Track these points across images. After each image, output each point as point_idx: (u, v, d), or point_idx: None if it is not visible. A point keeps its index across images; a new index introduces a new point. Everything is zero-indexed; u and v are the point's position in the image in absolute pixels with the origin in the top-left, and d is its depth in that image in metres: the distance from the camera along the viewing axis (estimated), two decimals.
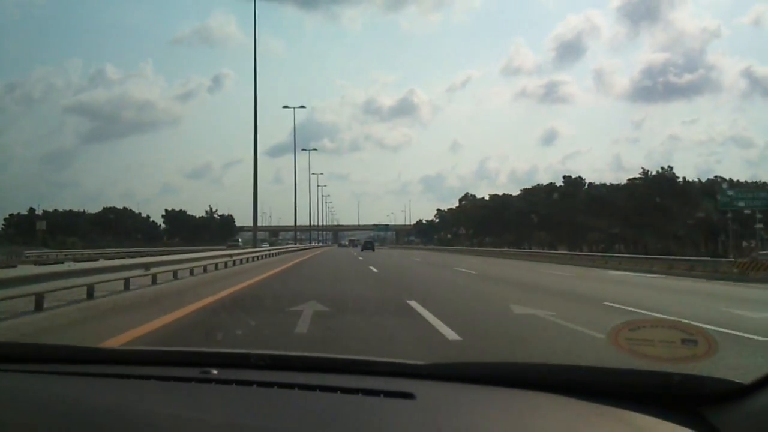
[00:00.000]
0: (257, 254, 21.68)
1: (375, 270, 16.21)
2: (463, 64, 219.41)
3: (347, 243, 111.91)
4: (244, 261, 17.44)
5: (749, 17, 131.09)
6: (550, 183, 66.36)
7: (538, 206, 59.68)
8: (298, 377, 1.20)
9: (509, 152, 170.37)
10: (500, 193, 79.61)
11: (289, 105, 40.21)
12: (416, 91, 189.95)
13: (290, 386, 1.14)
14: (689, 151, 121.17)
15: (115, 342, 4.35)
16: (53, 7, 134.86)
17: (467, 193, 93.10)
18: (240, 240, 61.10)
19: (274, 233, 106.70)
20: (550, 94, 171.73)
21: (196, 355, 1.39)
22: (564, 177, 61.35)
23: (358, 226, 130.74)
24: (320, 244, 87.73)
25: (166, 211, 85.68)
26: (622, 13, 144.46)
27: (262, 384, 1.16)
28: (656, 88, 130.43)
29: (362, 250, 46.46)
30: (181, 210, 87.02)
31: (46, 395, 0.88)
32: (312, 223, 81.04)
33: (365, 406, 1.06)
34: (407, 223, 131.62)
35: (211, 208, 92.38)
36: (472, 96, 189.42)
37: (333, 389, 1.11)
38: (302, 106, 63.34)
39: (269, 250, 26.50)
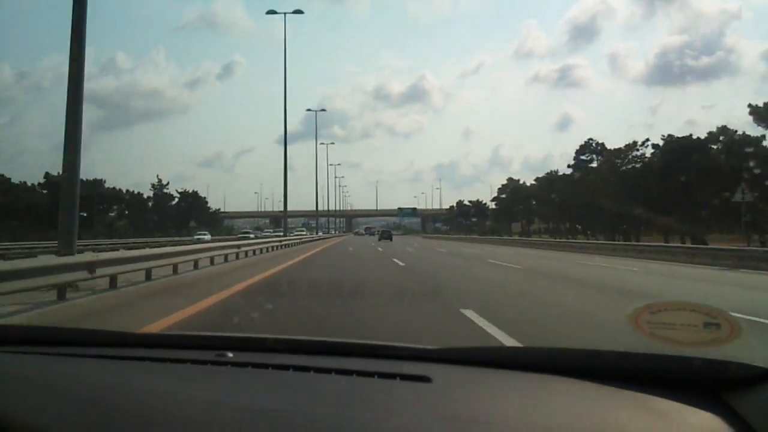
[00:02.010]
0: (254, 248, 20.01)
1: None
2: (475, 48, 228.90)
3: (363, 231, 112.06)
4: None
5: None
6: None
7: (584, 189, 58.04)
8: (314, 361, 1.32)
9: (523, 139, 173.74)
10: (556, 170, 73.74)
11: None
12: (427, 76, 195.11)
13: (306, 369, 1.26)
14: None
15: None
16: None
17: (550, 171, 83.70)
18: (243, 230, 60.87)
19: (276, 221, 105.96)
20: (564, 79, 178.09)
21: (212, 339, 1.52)
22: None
23: (376, 211, 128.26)
24: (333, 232, 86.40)
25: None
26: None
27: (277, 367, 1.28)
28: (673, 71, 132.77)
29: (379, 240, 48.80)
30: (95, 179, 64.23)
31: (59, 377, 0.99)
32: (324, 212, 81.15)
33: (381, 389, 1.16)
34: (434, 207, 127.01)
35: (159, 180, 72.55)
36: (485, 81, 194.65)
37: (349, 372, 1.23)
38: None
39: (253, 243, 21.51)
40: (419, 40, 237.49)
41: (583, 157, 61.68)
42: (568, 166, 63.61)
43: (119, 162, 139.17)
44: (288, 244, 27.05)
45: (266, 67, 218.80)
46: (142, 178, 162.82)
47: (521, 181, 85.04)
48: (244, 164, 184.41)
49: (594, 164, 59.24)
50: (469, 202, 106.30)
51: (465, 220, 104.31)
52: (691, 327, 1.12)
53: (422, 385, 1.15)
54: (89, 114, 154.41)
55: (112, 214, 67.91)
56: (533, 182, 78.42)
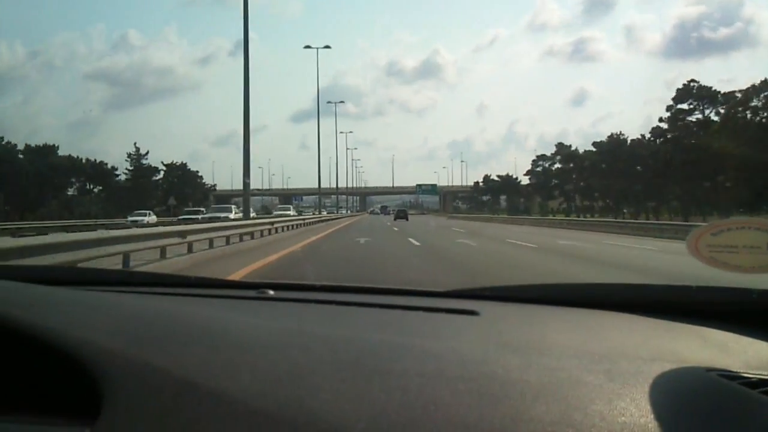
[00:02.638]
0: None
1: None
2: (488, 21, 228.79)
3: (379, 210, 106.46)
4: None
5: None
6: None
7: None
8: (358, 298, 1.37)
9: (538, 115, 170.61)
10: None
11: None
12: (440, 51, 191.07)
13: (350, 304, 1.30)
14: None
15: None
16: None
17: (560, 143, 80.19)
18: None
19: (287, 198, 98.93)
20: (579, 53, 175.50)
21: (254, 283, 1.54)
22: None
23: (392, 188, 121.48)
24: (345, 212, 79.37)
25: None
26: None
27: (320, 302, 1.32)
28: (690, 43, 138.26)
29: (395, 219, 49.03)
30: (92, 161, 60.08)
31: (115, 306, 1.03)
32: (338, 189, 75.50)
33: (429, 320, 1.18)
34: (457, 183, 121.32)
35: (137, 150, 64.69)
36: (498, 55, 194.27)
37: (394, 307, 1.25)
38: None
39: (249, 224, 16.93)
40: (432, 12, 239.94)
41: (684, 106, 48.49)
42: (661, 120, 51.61)
43: (129, 142, 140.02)
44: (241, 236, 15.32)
45: (278, 45, 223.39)
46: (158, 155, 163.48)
47: (574, 148, 76.91)
48: (256, 142, 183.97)
49: (694, 117, 46.98)
50: (498, 176, 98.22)
51: (491, 197, 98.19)
52: (754, 249, 1.10)
53: (470, 318, 1.16)
54: (100, 93, 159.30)
55: (72, 191, 58.27)
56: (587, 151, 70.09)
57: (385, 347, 0.85)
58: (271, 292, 1.39)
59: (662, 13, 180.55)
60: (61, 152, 58.34)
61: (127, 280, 1.73)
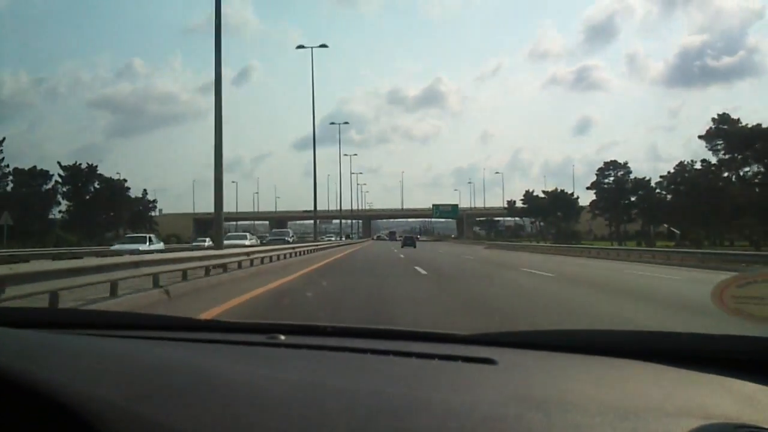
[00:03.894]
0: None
1: None
2: (489, 50, 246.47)
3: (386, 236, 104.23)
4: None
5: None
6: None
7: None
8: (371, 344, 1.39)
9: (542, 143, 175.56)
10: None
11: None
12: (443, 79, 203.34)
13: (363, 351, 1.33)
14: None
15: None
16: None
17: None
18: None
19: (281, 222, 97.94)
20: (582, 81, 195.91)
21: (264, 325, 1.60)
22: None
23: (402, 211, 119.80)
24: (337, 239, 65.21)
25: None
26: None
27: (333, 348, 1.36)
28: (693, 72, 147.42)
29: (402, 246, 48.90)
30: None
31: (116, 357, 1.03)
32: (345, 213, 73.61)
33: (445, 370, 1.21)
34: (476, 206, 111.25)
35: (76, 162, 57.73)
36: (501, 84, 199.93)
37: (408, 354, 1.28)
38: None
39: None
40: (433, 42, 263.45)
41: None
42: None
43: (134, 168, 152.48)
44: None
45: (281, 74, 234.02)
46: (161, 183, 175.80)
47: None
48: (260, 169, 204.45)
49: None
50: (544, 192, 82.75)
51: (537, 219, 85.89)
52: None
53: (487, 367, 1.18)
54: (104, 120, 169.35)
55: None
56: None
57: (402, 403, 0.87)
58: (282, 337, 1.42)
59: (665, 41, 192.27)
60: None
61: (132, 323, 1.74)
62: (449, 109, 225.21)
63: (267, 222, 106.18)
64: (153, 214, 71.62)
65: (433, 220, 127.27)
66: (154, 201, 70.87)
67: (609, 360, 1.24)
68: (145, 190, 69.24)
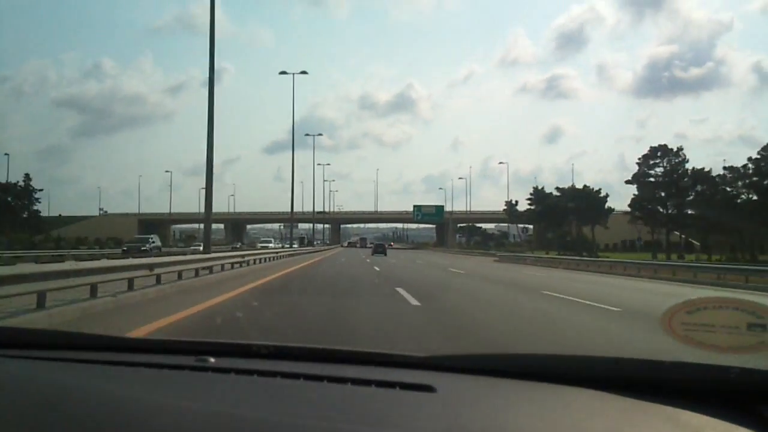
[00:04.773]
0: None
1: None
2: (461, 55, 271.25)
3: (357, 243, 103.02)
4: None
5: (760, 6, 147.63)
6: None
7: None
8: (304, 368, 1.38)
9: (512, 151, 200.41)
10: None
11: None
12: (415, 85, 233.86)
13: (295, 376, 1.31)
14: (697, 150, 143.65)
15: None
16: None
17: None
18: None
19: (236, 226, 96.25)
20: (552, 89, 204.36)
21: (194, 344, 1.58)
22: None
23: (375, 213, 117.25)
24: (290, 245, 55.68)
25: None
26: (627, 1, 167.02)
27: (263, 373, 1.34)
28: (662, 83, 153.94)
29: (373, 254, 47.61)
30: None
31: (33, 381, 1.02)
32: (308, 216, 73.58)
33: (380, 399, 1.20)
34: (460, 209, 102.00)
35: None
36: (472, 91, 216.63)
37: (343, 380, 1.27)
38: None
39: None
40: (405, 48, 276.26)
41: None
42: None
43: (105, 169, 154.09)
44: None
45: (251, 76, 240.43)
46: (130, 185, 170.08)
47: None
48: (229, 172, 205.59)
49: None
50: (558, 189, 68.76)
51: (524, 227, 77.46)
52: (732, 329, 1.14)
53: (425, 395, 1.19)
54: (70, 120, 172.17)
55: None
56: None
57: None
58: (212, 360, 1.40)
59: (634, 52, 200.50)
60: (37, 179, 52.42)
61: (40, 341, 1.62)
62: (421, 115, 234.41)
63: (222, 225, 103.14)
64: (36, 209, 66.42)
65: (407, 227, 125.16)
66: (39, 191, 65.64)
67: (555, 387, 1.24)
68: (26, 175, 63.47)
